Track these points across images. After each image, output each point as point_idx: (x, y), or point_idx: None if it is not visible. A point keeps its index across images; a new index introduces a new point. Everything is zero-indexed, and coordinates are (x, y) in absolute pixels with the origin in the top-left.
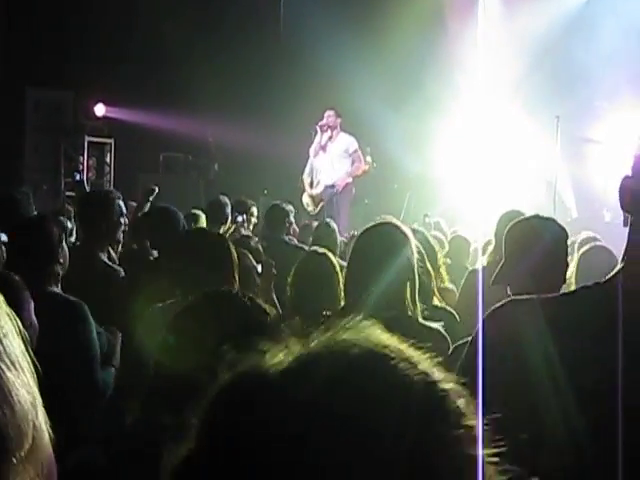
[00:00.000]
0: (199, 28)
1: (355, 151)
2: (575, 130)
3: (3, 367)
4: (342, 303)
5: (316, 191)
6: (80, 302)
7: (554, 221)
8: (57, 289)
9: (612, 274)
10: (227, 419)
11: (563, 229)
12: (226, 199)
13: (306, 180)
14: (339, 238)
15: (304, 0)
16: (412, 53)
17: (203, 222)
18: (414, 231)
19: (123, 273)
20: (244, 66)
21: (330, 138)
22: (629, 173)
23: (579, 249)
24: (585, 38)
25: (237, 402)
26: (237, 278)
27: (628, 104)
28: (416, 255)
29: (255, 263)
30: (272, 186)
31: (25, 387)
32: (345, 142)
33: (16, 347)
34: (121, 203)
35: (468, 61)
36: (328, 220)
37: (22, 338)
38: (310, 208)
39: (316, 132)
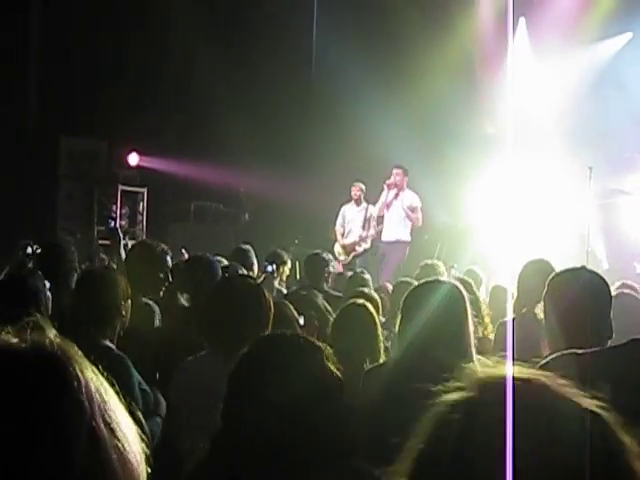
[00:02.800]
0: (233, 80)
1: (414, 209)
2: (608, 181)
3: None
4: (382, 355)
5: (348, 241)
6: (124, 356)
7: (598, 275)
8: (110, 343)
9: None
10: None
11: (607, 284)
12: (249, 247)
13: (338, 230)
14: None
15: (336, 52)
16: (443, 103)
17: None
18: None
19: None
20: (276, 117)
21: (396, 196)
22: None
23: None
24: (618, 87)
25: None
26: (269, 329)
27: None
28: (470, 310)
29: (297, 315)
30: (303, 236)
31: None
32: (409, 199)
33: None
34: (169, 259)
35: (499, 111)
36: (361, 270)
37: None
38: (342, 258)
39: (382, 190)
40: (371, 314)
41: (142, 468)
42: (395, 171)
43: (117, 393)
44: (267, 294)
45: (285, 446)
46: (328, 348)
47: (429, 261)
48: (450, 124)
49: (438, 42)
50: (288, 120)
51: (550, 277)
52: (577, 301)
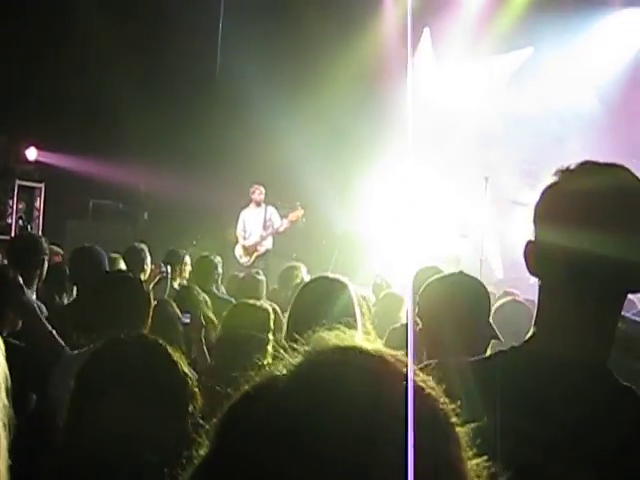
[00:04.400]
0: (137, 80)
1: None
2: (505, 192)
3: None
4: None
5: (249, 242)
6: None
7: (474, 279)
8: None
9: (526, 338)
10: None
11: (483, 287)
12: (143, 246)
13: (240, 234)
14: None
15: (241, 57)
16: (345, 110)
17: (122, 266)
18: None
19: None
20: (179, 119)
21: None
22: (532, 238)
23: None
24: (518, 100)
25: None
26: (147, 325)
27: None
28: (358, 309)
29: (180, 313)
30: (201, 237)
31: None
32: None
33: None
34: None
35: (400, 120)
36: (256, 271)
37: None
38: (243, 260)
39: None
40: (263, 313)
41: None
42: None
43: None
44: (147, 291)
45: (127, 448)
46: (178, 350)
47: (291, 263)
48: (353, 132)
49: (343, 49)
50: (192, 122)
51: (426, 283)
52: (443, 306)
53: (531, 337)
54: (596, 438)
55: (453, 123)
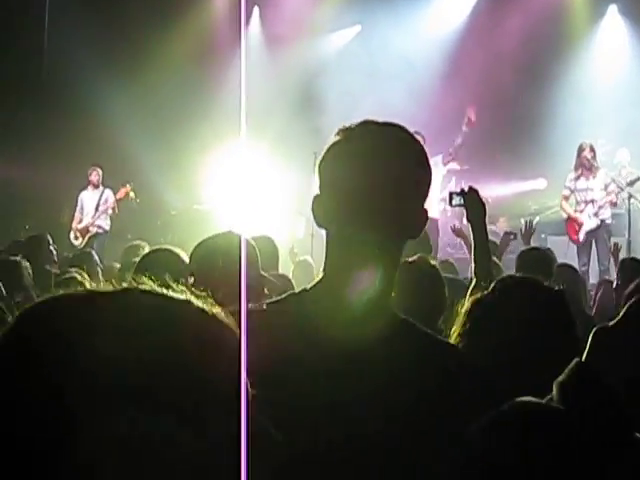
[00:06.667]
0: None
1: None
2: None
3: None
4: None
5: (81, 225)
6: None
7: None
8: None
9: (313, 283)
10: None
11: (251, 244)
12: None
13: (77, 217)
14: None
15: (69, 37)
16: (179, 92)
17: None
18: None
19: None
20: (6, 100)
21: None
22: (317, 191)
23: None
24: (348, 77)
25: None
26: None
27: None
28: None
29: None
30: (34, 221)
31: None
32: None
33: None
34: None
35: (231, 99)
36: (89, 250)
37: None
38: (78, 242)
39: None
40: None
41: None
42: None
43: None
44: None
45: None
46: None
47: (135, 242)
48: (185, 113)
49: (173, 30)
50: (19, 105)
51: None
52: (209, 262)
53: (319, 281)
54: (373, 372)
55: (284, 101)
